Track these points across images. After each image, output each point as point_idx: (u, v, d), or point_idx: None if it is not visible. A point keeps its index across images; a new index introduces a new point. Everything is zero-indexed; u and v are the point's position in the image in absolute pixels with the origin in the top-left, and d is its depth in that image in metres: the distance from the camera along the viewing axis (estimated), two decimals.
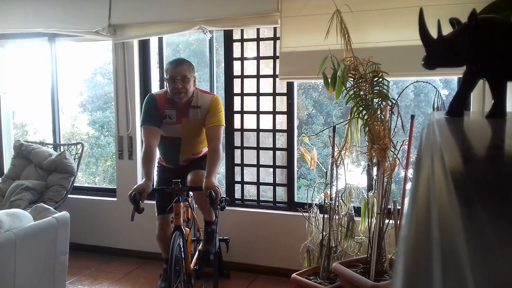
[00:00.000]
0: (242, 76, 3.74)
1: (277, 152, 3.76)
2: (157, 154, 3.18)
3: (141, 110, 3.04)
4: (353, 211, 3.05)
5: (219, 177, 3.34)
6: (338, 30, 2.76)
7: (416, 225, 0.33)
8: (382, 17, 3.10)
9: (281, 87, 3.65)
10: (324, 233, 3.03)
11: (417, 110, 5.59)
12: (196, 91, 2.93)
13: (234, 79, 3.76)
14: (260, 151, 3.76)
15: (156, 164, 3.05)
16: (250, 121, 3.79)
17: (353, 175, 3.52)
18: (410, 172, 2.84)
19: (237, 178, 3.86)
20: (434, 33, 0.98)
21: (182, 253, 2.77)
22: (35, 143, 4.25)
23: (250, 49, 3.81)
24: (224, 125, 2.97)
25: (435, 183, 0.37)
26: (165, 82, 2.92)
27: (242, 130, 3.79)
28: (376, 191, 2.83)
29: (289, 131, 3.64)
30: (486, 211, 0.28)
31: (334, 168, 2.99)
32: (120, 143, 4.03)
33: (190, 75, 2.82)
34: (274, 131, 3.71)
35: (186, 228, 2.98)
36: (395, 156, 2.71)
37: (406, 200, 2.78)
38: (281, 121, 3.75)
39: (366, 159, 3.06)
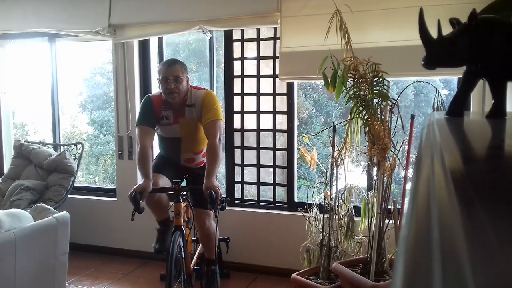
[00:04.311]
0: (242, 76, 3.74)
1: (277, 152, 3.75)
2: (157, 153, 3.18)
3: None
4: (353, 211, 3.05)
5: (219, 177, 3.34)
6: (338, 30, 2.76)
7: (416, 225, 0.33)
8: (382, 17, 3.10)
9: (281, 87, 3.65)
10: (324, 233, 3.03)
11: (417, 110, 5.58)
12: (190, 89, 2.92)
13: (234, 79, 3.76)
14: (260, 151, 3.76)
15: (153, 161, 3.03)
16: (250, 121, 3.79)
17: (353, 175, 3.51)
18: (410, 172, 2.84)
19: (237, 178, 3.86)
20: (434, 33, 0.98)
21: (182, 253, 2.77)
22: (35, 143, 4.24)
23: (250, 49, 3.81)
24: (222, 118, 2.93)
25: (435, 183, 0.37)
26: (158, 82, 2.92)
27: (242, 130, 3.78)
28: (376, 191, 2.83)
29: (289, 131, 3.64)
30: (486, 211, 0.28)
31: (334, 168, 2.99)
32: (120, 143, 4.03)
33: (183, 76, 2.82)
34: (274, 131, 3.71)
35: (186, 228, 2.98)
36: (395, 156, 2.71)
37: (406, 200, 2.78)
38: (281, 121, 3.75)
39: (366, 159, 3.06)
